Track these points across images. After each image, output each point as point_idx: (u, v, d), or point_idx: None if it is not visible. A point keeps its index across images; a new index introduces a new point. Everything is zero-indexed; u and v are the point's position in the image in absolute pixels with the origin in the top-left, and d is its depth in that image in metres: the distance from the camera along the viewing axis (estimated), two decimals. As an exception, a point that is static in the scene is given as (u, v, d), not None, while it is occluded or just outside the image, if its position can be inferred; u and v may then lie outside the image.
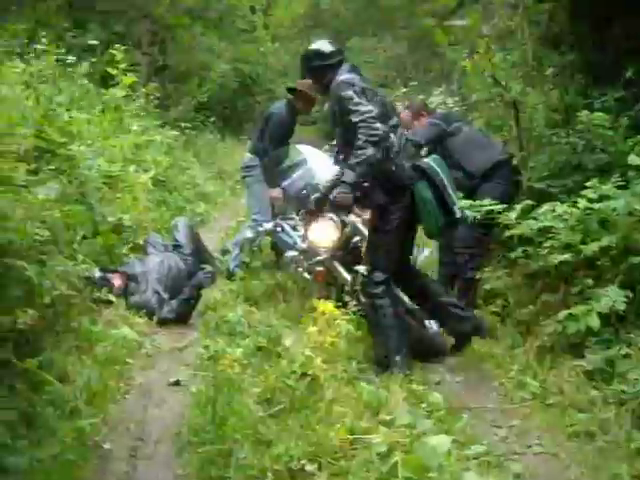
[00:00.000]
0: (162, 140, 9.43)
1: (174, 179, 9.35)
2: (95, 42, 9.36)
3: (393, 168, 3.75)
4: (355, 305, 3.90)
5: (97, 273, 4.73)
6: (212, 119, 14.31)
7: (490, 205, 4.14)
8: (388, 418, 2.93)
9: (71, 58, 7.74)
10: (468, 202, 4.19)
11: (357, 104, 3.61)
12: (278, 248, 5.45)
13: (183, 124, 11.75)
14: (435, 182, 3.78)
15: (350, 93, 3.65)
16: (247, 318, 4.57)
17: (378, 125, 3.60)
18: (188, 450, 2.83)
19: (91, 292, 4.28)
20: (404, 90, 10.26)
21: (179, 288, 4.86)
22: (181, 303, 4.66)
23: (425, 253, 5.03)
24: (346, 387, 3.18)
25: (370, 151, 3.58)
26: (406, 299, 4.39)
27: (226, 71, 15.14)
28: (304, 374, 3.14)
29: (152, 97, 10.70)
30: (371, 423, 2.90)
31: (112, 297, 4.43)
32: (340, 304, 4.01)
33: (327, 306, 3.59)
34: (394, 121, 3.88)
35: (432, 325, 4.40)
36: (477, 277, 4.75)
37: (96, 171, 5.81)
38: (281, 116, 5.83)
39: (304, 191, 4.86)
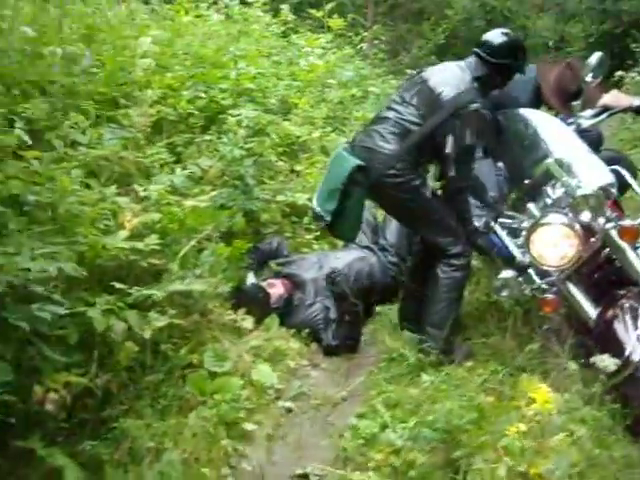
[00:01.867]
0: (382, 92, 8.08)
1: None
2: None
3: None
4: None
5: (251, 279, 3.64)
6: (455, 64, 12.48)
7: None
8: None
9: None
10: None
11: None
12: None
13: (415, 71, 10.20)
14: None
15: None
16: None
17: None
18: None
19: (221, 315, 3.17)
20: None
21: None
22: (340, 326, 3.39)
23: None
24: None
25: None
26: None
27: (470, 8, 13.10)
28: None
29: (377, 42, 9.43)
30: None
31: (249, 321, 3.23)
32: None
33: (542, 393, 2.11)
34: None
35: None
36: None
37: (276, 137, 4.71)
38: None
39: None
